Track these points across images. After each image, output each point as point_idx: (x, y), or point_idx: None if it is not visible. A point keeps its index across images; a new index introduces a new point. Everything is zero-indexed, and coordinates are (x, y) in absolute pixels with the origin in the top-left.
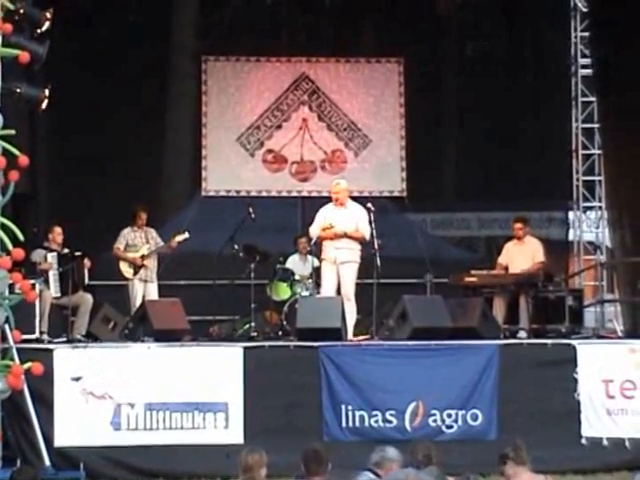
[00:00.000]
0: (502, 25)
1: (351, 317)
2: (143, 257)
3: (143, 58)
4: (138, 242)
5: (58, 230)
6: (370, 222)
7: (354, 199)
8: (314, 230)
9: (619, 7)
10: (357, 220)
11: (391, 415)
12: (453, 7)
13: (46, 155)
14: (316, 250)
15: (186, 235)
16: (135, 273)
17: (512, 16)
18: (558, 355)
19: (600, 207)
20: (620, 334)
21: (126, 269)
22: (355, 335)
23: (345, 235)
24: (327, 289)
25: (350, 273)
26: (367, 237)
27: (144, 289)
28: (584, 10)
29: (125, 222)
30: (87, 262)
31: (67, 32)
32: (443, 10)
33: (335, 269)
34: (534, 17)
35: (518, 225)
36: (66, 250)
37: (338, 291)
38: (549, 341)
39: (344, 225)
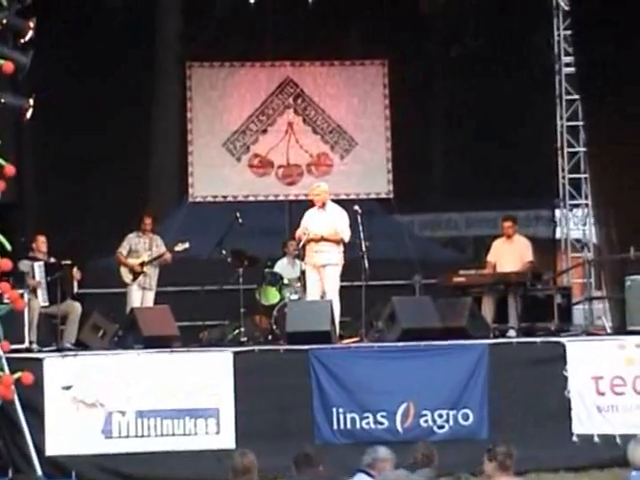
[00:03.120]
0: (486, 25)
1: (336, 319)
2: (143, 264)
3: (127, 64)
4: (140, 248)
5: (42, 239)
6: (358, 224)
7: (341, 202)
8: (299, 234)
9: (601, 6)
10: (336, 222)
11: (382, 417)
12: (436, 7)
13: (32, 163)
14: (302, 254)
15: (187, 245)
16: (134, 279)
17: (495, 15)
18: (548, 353)
19: (586, 204)
20: (609, 331)
21: (126, 274)
22: (345, 337)
23: (322, 238)
24: (312, 292)
25: (332, 275)
26: (346, 239)
27: (142, 296)
28: (566, 9)
29: (112, 229)
30: (77, 273)
31: (51, 39)
32: (426, 9)
33: (317, 273)
34: (517, 16)
35: (507, 224)
36: (52, 259)
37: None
38: (538, 339)
39: (322, 228)
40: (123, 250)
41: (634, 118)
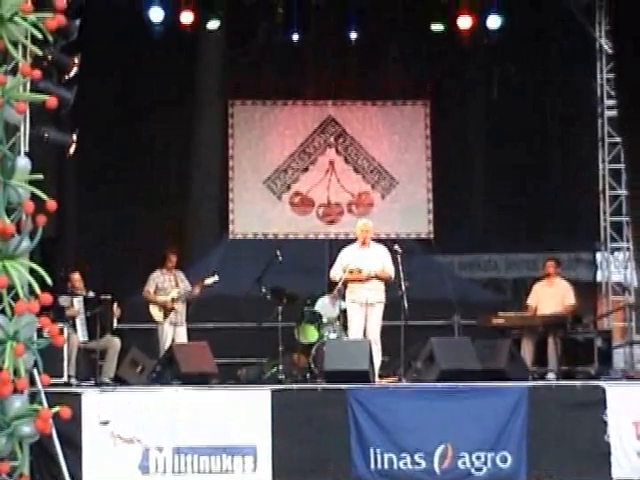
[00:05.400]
0: (529, 65)
1: (377, 359)
2: (173, 300)
3: (170, 103)
4: (167, 285)
5: (76, 277)
6: (398, 264)
7: (381, 241)
8: (336, 272)
9: None
10: (383, 260)
11: (420, 457)
12: (478, 46)
13: (73, 199)
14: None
15: (215, 278)
16: (165, 316)
17: (539, 56)
18: (587, 397)
19: (628, 248)
20: None
21: (156, 312)
22: (383, 377)
23: (375, 277)
24: (355, 331)
25: (378, 314)
26: (393, 276)
27: (174, 332)
28: (610, 52)
29: (152, 265)
30: (117, 309)
31: (95, 76)
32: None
33: (363, 311)
34: (561, 58)
35: (550, 263)
36: (92, 294)
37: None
38: (578, 383)
39: (372, 266)
40: (150, 288)
41: None
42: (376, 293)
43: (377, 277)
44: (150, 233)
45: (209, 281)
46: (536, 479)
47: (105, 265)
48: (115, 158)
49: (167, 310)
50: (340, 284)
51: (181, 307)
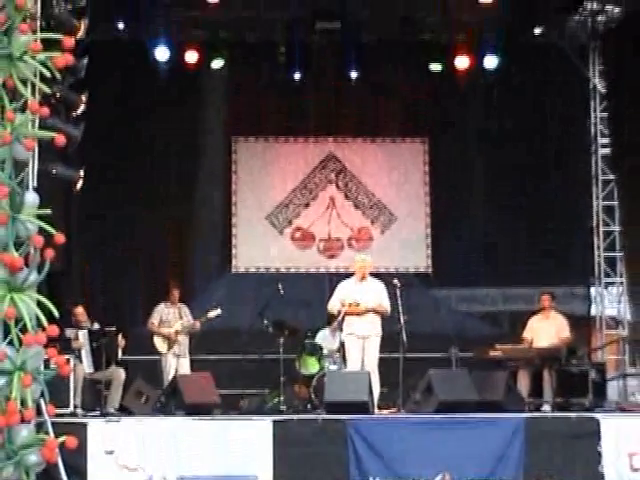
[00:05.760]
0: (524, 105)
1: (375, 389)
2: (177, 332)
3: (174, 139)
4: (171, 318)
5: (80, 310)
6: (397, 297)
7: (380, 275)
8: (334, 305)
9: (637, 89)
10: (380, 295)
11: None
12: (475, 86)
13: (80, 233)
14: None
15: (218, 311)
16: (169, 348)
17: (534, 96)
18: (582, 428)
19: (621, 282)
20: None
21: (160, 344)
22: (382, 408)
23: (372, 310)
24: (354, 362)
25: (375, 346)
26: (389, 311)
27: (177, 363)
28: (603, 92)
29: (156, 298)
30: (122, 341)
31: (101, 113)
32: (464, 88)
33: (361, 343)
34: (555, 97)
35: (545, 297)
36: (96, 326)
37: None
38: (573, 414)
39: (369, 300)
40: (155, 321)
41: None
42: (373, 326)
43: (374, 311)
44: (154, 268)
45: (212, 314)
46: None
47: (110, 297)
48: (119, 194)
49: (171, 342)
50: (340, 317)
51: (184, 339)
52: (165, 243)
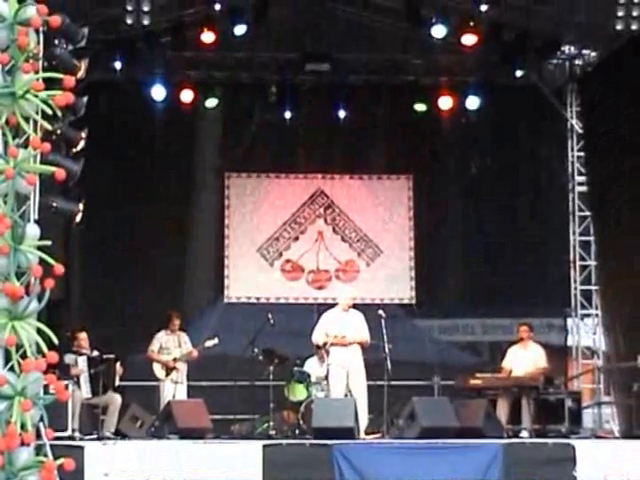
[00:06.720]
0: (504, 144)
1: (364, 416)
2: (175, 360)
3: (169, 175)
4: (171, 345)
5: (82, 336)
6: (382, 327)
7: (366, 306)
8: (318, 335)
9: (613, 128)
10: (360, 326)
11: None
12: (457, 127)
13: (78, 263)
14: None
15: (215, 341)
16: (167, 374)
17: (513, 136)
18: (558, 454)
19: (597, 314)
20: (616, 434)
21: (159, 371)
22: (368, 433)
23: (357, 342)
24: (338, 390)
25: (362, 374)
26: (369, 341)
27: (174, 390)
28: (580, 132)
29: (151, 327)
30: (119, 368)
31: (100, 150)
32: (446, 130)
33: (345, 372)
34: (534, 137)
35: (524, 328)
36: (95, 353)
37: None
38: (550, 440)
39: (353, 331)
40: (154, 348)
41: None
42: (356, 356)
43: (358, 342)
44: (149, 297)
45: (209, 344)
46: None
47: (107, 326)
48: (116, 227)
49: (169, 369)
50: (328, 347)
51: (182, 366)
52: (160, 275)
